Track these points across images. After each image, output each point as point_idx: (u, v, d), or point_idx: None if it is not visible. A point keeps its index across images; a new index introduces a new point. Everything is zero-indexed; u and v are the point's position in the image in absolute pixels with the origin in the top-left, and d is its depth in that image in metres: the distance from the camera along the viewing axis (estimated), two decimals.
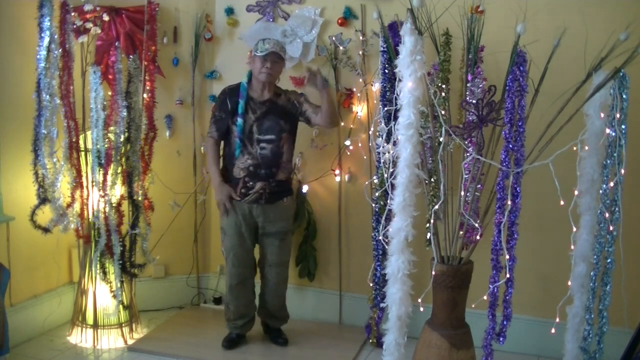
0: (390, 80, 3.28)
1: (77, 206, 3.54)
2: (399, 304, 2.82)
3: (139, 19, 3.83)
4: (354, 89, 3.78)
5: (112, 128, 3.45)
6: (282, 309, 3.69)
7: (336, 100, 3.73)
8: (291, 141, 3.49)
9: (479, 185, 2.92)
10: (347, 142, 3.81)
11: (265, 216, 3.44)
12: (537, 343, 3.54)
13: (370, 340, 3.72)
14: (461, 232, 2.86)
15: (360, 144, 3.78)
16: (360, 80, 3.72)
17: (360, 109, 3.77)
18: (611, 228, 2.81)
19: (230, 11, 4.04)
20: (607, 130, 2.74)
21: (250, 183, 3.40)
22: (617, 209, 2.79)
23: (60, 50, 3.37)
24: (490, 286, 2.72)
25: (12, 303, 3.52)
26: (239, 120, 3.39)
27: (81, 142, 3.54)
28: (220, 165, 3.54)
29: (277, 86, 3.53)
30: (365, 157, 3.77)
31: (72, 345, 3.64)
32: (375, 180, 3.47)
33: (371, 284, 3.57)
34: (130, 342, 3.68)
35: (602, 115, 2.70)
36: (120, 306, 3.60)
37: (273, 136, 3.39)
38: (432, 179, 3.04)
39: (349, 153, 3.84)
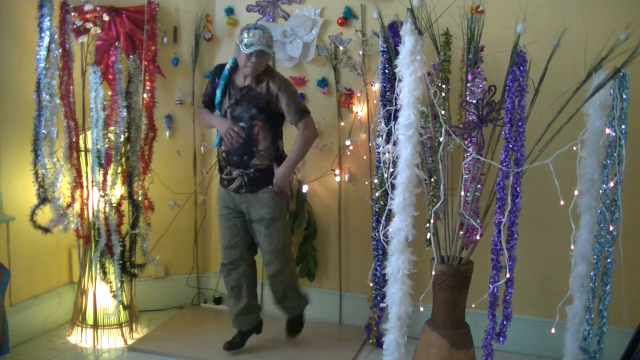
0: (390, 80, 3.28)
1: (77, 206, 3.54)
2: (399, 304, 2.82)
3: (139, 19, 3.83)
4: (354, 89, 3.78)
5: (112, 128, 3.45)
6: (284, 299, 3.59)
7: (299, 155, 3.39)
8: (268, 128, 3.31)
9: (479, 185, 2.92)
10: (347, 142, 3.81)
11: (248, 203, 3.38)
12: (537, 343, 3.54)
13: (370, 340, 3.72)
14: (461, 232, 2.86)
15: (360, 144, 3.78)
16: (361, 80, 3.72)
17: (360, 109, 3.77)
18: (611, 228, 2.81)
19: (230, 11, 4.04)
20: (607, 130, 2.74)
21: (228, 169, 3.37)
22: (617, 209, 2.79)
23: (60, 50, 3.37)
24: (490, 286, 2.72)
25: (12, 303, 3.52)
26: (217, 112, 3.37)
27: (81, 142, 3.54)
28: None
29: (267, 68, 3.33)
30: (365, 157, 3.77)
31: (72, 345, 3.64)
32: (375, 180, 3.47)
33: (371, 284, 3.57)
34: (130, 342, 3.68)
35: (602, 115, 2.71)
36: (120, 306, 3.60)
37: (243, 124, 3.29)
38: (432, 179, 3.04)
39: (349, 153, 3.84)
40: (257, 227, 3.41)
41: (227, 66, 3.36)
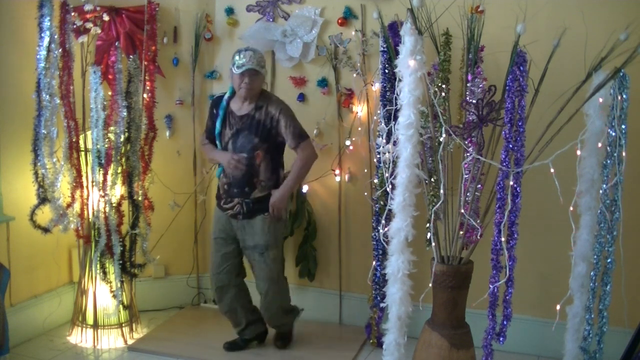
0: (390, 80, 3.28)
1: (77, 206, 3.54)
2: (399, 304, 2.82)
3: (139, 19, 3.83)
4: (354, 89, 3.78)
5: (112, 128, 3.45)
6: (276, 319, 3.57)
7: (298, 177, 3.38)
8: (269, 159, 3.32)
9: (479, 185, 2.92)
10: (347, 142, 3.81)
11: (243, 230, 3.38)
12: (537, 343, 3.54)
13: (370, 340, 3.72)
14: (461, 232, 2.86)
15: (360, 144, 3.78)
16: (361, 80, 3.72)
17: (360, 109, 3.77)
18: (611, 228, 2.81)
19: (230, 11, 4.04)
20: (607, 130, 2.74)
21: (228, 199, 3.38)
22: (617, 209, 2.79)
23: (60, 50, 3.38)
24: (490, 286, 2.72)
25: (12, 303, 3.52)
26: (217, 142, 3.38)
27: (81, 142, 3.54)
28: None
29: (264, 93, 3.37)
30: (365, 157, 3.77)
31: (72, 345, 3.64)
32: (375, 180, 3.47)
33: (371, 284, 3.57)
34: (130, 342, 3.68)
35: (602, 115, 2.70)
36: (120, 306, 3.60)
37: (244, 154, 3.29)
38: (432, 179, 3.04)
39: (349, 153, 3.84)
40: (251, 254, 3.41)
41: (225, 96, 3.38)
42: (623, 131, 2.75)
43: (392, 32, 3.21)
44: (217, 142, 3.39)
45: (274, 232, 3.39)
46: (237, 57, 3.21)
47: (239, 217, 3.37)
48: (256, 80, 3.25)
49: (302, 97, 3.91)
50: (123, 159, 3.53)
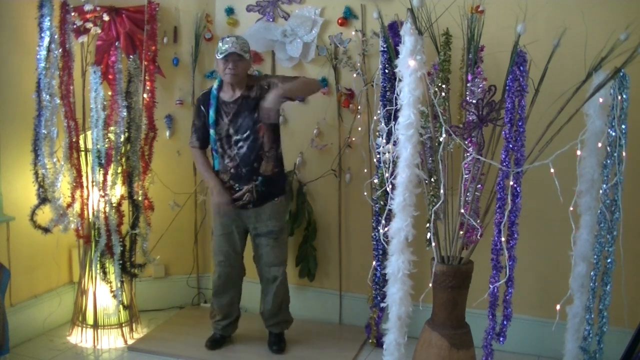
0: (390, 80, 3.28)
1: (77, 206, 3.55)
2: (399, 304, 2.82)
3: (139, 19, 3.83)
4: (354, 89, 3.78)
5: (112, 128, 3.46)
6: (279, 312, 3.58)
7: (300, 83, 3.34)
8: (271, 129, 3.35)
9: (479, 185, 2.92)
10: (347, 142, 3.81)
11: (255, 217, 3.40)
12: (537, 343, 3.54)
13: (370, 340, 3.72)
14: (461, 232, 2.86)
15: (360, 144, 3.78)
16: (361, 80, 3.72)
17: (360, 109, 3.77)
18: (611, 228, 2.81)
19: (230, 11, 4.04)
20: (607, 130, 2.74)
21: (237, 185, 3.37)
22: (617, 209, 2.79)
23: (60, 50, 3.38)
24: (490, 286, 2.72)
25: (12, 303, 3.52)
26: (212, 131, 3.35)
27: (81, 142, 3.54)
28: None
29: (251, 77, 3.41)
30: (365, 157, 3.77)
31: (72, 345, 3.64)
32: (375, 180, 3.47)
33: (371, 284, 3.57)
34: (130, 342, 3.68)
35: (602, 115, 2.70)
36: (120, 306, 3.60)
37: (248, 132, 3.31)
38: (432, 179, 3.04)
39: (349, 153, 3.84)
40: (265, 241, 3.43)
41: (215, 86, 3.39)
42: (623, 131, 2.75)
43: (392, 32, 3.21)
44: (212, 131, 3.36)
45: (283, 216, 3.50)
46: (220, 44, 3.26)
47: (249, 207, 3.38)
48: (240, 64, 3.26)
49: (302, 97, 3.91)
50: (123, 159, 3.53)
